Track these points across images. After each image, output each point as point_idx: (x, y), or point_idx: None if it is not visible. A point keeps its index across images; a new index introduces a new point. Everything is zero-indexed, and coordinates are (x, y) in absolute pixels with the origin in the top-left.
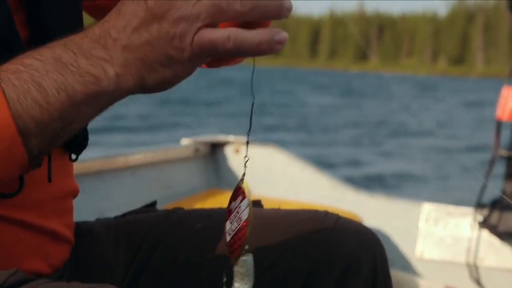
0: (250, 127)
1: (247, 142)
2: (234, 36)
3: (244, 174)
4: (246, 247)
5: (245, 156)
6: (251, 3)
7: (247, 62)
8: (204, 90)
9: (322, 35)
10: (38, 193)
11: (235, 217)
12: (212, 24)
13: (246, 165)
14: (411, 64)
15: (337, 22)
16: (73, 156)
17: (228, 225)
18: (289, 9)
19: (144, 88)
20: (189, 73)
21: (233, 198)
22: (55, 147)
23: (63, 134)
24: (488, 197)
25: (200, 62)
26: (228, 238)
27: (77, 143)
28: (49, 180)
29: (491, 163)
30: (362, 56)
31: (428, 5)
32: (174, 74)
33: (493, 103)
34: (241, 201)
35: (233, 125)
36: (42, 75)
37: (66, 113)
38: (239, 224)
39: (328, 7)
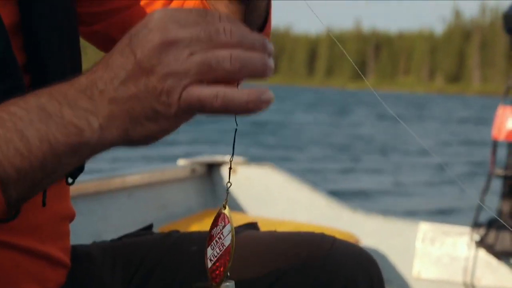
0: (232, 153)
1: (230, 168)
2: (222, 95)
3: (226, 201)
4: (228, 273)
5: (228, 182)
6: (240, 63)
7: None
8: None
9: (319, 53)
10: (34, 218)
11: (216, 243)
12: (200, 81)
13: (228, 191)
14: (408, 82)
15: (333, 40)
16: (70, 180)
17: (209, 251)
18: (272, 69)
19: (128, 140)
20: (175, 128)
21: (214, 224)
22: (34, 195)
23: (44, 182)
24: (484, 216)
25: (187, 118)
26: (209, 264)
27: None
28: (44, 204)
29: (487, 182)
30: (359, 74)
31: (425, 23)
32: (159, 128)
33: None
34: (223, 227)
35: (229, 141)
36: (25, 124)
37: (48, 163)
38: (221, 251)
39: (324, 28)
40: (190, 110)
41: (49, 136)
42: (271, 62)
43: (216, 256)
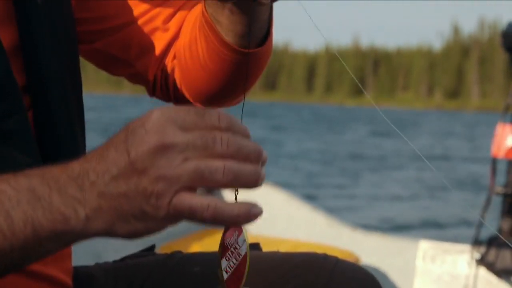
0: None
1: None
2: (214, 206)
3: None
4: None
5: (235, 190)
6: (233, 175)
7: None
8: None
9: (318, 70)
10: None
11: (232, 254)
12: (191, 188)
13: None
14: (407, 98)
15: (332, 57)
16: None
17: (224, 262)
18: (263, 179)
19: (112, 234)
20: (161, 229)
21: (228, 234)
22: (10, 274)
23: (21, 263)
24: (484, 234)
25: (175, 221)
26: (225, 275)
27: None
28: None
29: (487, 200)
30: (358, 90)
31: (423, 40)
32: (145, 228)
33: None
34: (238, 237)
35: None
36: (12, 204)
37: (28, 246)
38: (237, 260)
39: (324, 42)
40: (179, 216)
41: (34, 220)
42: (263, 172)
43: (233, 267)
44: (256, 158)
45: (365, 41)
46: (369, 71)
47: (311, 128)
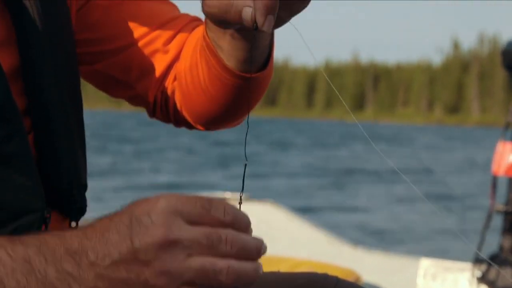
0: (242, 188)
1: (240, 203)
2: None
3: None
4: None
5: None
6: (235, 275)
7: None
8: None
9: (318, 86)
10: None
11: None
12: (194, 284)
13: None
14: (407, 113)
15: (332, 72)
16: (73, 224)
17: None
18: (261, 271)
19: None
20: None
21: None
22: None
23: None
24: (485, 251)
25: None
26: None
27: (77, 209)
28: None
29: (488, 218)
30: (358, 105)
31: (423, 55)
32: None
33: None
34: None
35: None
36: (7, 272)
37: None
38: None
39: (324, 58)
40: None
41: None
42: (261, 268)
43: None
44: (257, 255)
45: (365, 57)
46: (369, 86)
47: (309, 143)
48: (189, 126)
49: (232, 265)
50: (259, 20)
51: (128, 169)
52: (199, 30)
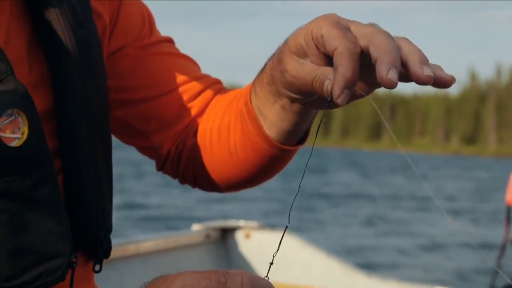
0: (288, 221)
1: (281, 239)
2: None
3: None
4: None
5: (273, 256)
6: None
7: None
8: None
9: (334, 114)
10: None
11: None
12: None
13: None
14: (424, 143)
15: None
16: (97, 267)
17: None
18: None
19: None
20: None
21: None
22: None
23: None
24: (500, 282)
25: None
26: None
27: (102, 252)
28: None
29: (502, 248)
30: (375, 135)
31: None
32: None
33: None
34: None
35: (237, 208)
36: None
37: None
38: None
39: None
40: None
41: None
42: None
43: None
44: None
45: (382, 87)
46: (386, 116)
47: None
48: (195, 185)
49: None
50: (336, 92)
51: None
52: (233, 93)
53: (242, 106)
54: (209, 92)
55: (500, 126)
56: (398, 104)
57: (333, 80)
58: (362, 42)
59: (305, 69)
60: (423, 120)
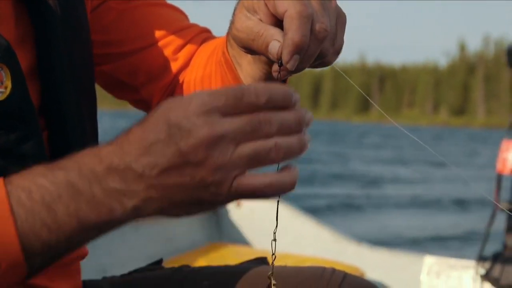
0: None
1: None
2: (275, 183)
3: (273, 266)
4: None
5: (274, 233)
6: (284, 151)
7: None
8: None
9: (323, 87)
10: None
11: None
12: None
13: (274, 255)
14: (412, 115)
15: (338, 73)
16: None
17: None
18: (308, 144)
19: (164, 215)
20: (215, 209)
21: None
22: (56, 261)
23: (67, 252)
24: (489, 250)
25: (233, 202)
26: None
27: None
28: None
29: (492, 216)
30: (364, 107)
31: (429, 57)
32: (200, 211)
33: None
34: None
35: None
36: (54, 198)
37: (74, 237)
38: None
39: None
40: (239, 198)
41: (79, 214)
42: (307, 138)
43: None
44: (299, 128)
45: (371, 58)
46: (375, 88)
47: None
48: None
49: (278, 142)
50: (285, 57)
51: None
52: (214, 43)
53: (221, 56)
54: (195, 42)
55: (488, 97)
56: (387, 76)
57: (282, 44)
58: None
59: (249, 24)
60: (411, 92)
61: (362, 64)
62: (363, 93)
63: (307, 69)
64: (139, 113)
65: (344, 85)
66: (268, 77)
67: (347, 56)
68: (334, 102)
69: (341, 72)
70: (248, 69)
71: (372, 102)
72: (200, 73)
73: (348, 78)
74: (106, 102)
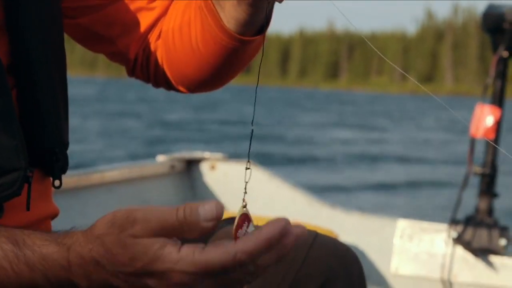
0: (249, 153)
1: (246, 168)
2: None
3: (244, 201)
4: None
5: (246, 182)
6: None
7: None
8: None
9: (292, 54)
10: (17, 220)
11: None
12: None
13: (246, 191)
14: (381, 82)
15: (307, 40)
16: (57, 183)
17: None
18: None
19: None
20: None
21: (239, 226)
22: None
23: None
24: (462, 213)
25: None
26: None
27: (59, 167)
28: (28, 209)
29: (465, 179)
30: (333, 74)
31: (398, 24)
32: None
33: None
34: (247, 227)
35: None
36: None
37: None
38: None
39: (298, 26)
40: None
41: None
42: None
43: None
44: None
45: (340, 25)
46: (344, 55)
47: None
48: (169, 87)
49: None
50: None
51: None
52: None
53: (202, 1)
54: None
55: (456, 65)
56: (356, 44)
57: None
58: None
59: None
60: (380, 59)
61: (331, 32)
62: (396, 67)
63: (275, 35)
64: (107, 80)
65: (312, 53)
66: (252, 19)
67: (316, 23)
68: (303, 69)
69: (373, 47)
70: (231, 11)
71: (409, 76)
72: (178, 21)
73: (380, 53)
74: (73, 69)
